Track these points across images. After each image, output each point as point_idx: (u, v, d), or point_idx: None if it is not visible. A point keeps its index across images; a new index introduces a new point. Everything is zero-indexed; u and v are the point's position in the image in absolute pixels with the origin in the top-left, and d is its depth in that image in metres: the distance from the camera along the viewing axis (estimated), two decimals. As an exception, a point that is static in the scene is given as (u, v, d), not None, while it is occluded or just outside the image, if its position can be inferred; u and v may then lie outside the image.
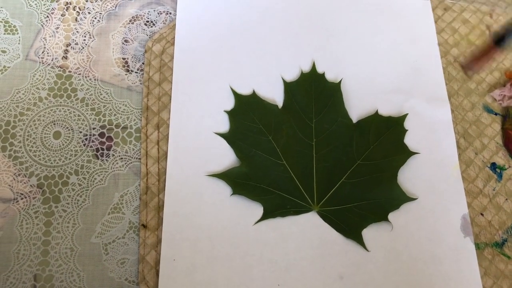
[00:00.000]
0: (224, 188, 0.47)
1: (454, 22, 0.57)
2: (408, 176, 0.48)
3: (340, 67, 0.53)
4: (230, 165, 0.48)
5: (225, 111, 0.50)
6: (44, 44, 0.52)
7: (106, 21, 0.54)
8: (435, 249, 0.46)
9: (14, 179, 0.47)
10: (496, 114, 0.52)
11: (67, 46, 0.52)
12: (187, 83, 0.51)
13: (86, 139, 0.49)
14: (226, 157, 0.48)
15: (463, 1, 0.58)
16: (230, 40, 0.54)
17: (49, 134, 0.49)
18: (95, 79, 0.51)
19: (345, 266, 0.45)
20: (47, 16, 0.54)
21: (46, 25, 0.53)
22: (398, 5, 0.57)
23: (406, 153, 0.49)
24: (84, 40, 0.53)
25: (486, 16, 0.57)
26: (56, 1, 0.54)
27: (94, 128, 0.49)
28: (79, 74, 0.51)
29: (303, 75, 0.52)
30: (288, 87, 0.51)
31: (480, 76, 0.54)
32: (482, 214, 0.48)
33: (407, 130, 0.50)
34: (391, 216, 0.46)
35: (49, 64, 0.51)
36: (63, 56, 0.52)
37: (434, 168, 0.49)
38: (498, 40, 0.46)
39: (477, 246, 0.47)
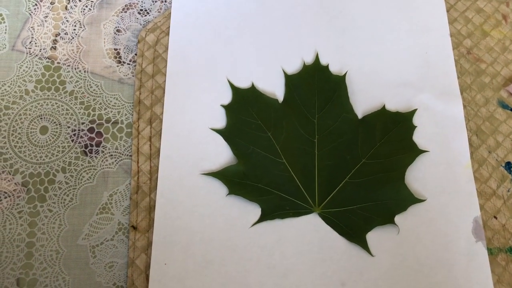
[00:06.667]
0: (219, 188, 0.45)
1: (468, 11, 0.54)
2: (417, 176, 0.46)
3: (345, 59, 0.51)
4: (226, 163, 0.46)
5: (221, 105, 0.48)
6: (32, 34, 0.50)
7: (97, 9, 0.52)
8: (445, 254, 0.43)
9: (-2, 177, 0.45)
10: (511, 109, 0.50)
11: (56, 36, 0.50)
12: (182, 76, 0.49)
13: (74, 134, 0.47)
14: (222, 154, 0.46)
15: (477, -11, 0.55)
16: (228, 30, 0.51)
17: (36, 129, 0.47)
18: (85, 71, 0.49)
19: (348, 272, 0.43)
20: (36, 4, 0.51)
21: (34, 13, 0.51)
22: (408, -7, 0.54)
23: (414, 151, 0.46)
24: (74, 29, 0.51)
25: (502, 5, 0.54)
26: (46, -12, 0.52)
27: (83, 123, 0.47)
28: (68, 65, 0.49)
29: (305, 68, 0.50)
30: (289, 80, 0.49)
31: (495, 69, 0.51)
32: (495, 217, 0.45)
33: (416, 126, 0.47)
34: (397, 218, 0.44)
35: (36, 55, 0.49)
36: (52, 47, 0.50)
37: (444, 167, 0.47)
38: None
39: (490, 252, 0.44)
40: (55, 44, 0.50)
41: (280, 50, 0.51)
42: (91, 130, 0.47)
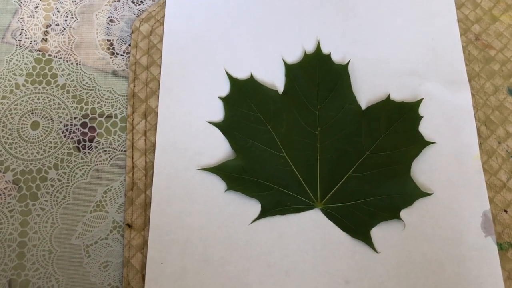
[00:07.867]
0: (217, 184, 0.44)
1: (476, -5, 0.52)
2: (423, 169, 0.45)
3: (348, 47, 0.50)
4: (225, 157, 0.45)
5: (219, 97, 0.47)
6: (22, 25, 0.49)
7: (90, -1, 0.51)
8: (452, 250, 0.43)
9: (-12, 175, 0.45)
10: (522, 98, 0.49)
11: (47, 27, 0.50)
12: (178, 67, 0.48)
13: (66, 129, 0.46)
14: (220, 149, 0.45)
15: (485, -28, 0.53)
16: (225, 18, 0.50)
17: (27, 124, 0.46)
18: (77, 64, 0.48)
19: (352, 269, 0.42)
20: (25, -6, 0.50)
21: (24, 4, 0.50)
22: (413, -23, 0.53)
23: (421, 143, 0.45)
24: (66, 20, 0.50)
25: (512, -12, 0.53)
26: (35, -22, 0.51)
27: (75, 118, 0.46)
28: (60, 58, 0.48)
29: (306, 57, 0.48)
30: (290, 70, 0.48)
31: (504, 55, 0.50)
32: (505, 211, 0.44)
33: (422, 117, 0.46)
34: (403, 213, 0.43)
35: (27, 47, 0.49)
36: (43, 38, 0.49)
37: (452, 159, 0.45)
38: None
39: (500, 247, 0.43)
40: (46, 35, 0.49)
41: (280, 39, 0.50)
42: (84, 125, 0.46)
